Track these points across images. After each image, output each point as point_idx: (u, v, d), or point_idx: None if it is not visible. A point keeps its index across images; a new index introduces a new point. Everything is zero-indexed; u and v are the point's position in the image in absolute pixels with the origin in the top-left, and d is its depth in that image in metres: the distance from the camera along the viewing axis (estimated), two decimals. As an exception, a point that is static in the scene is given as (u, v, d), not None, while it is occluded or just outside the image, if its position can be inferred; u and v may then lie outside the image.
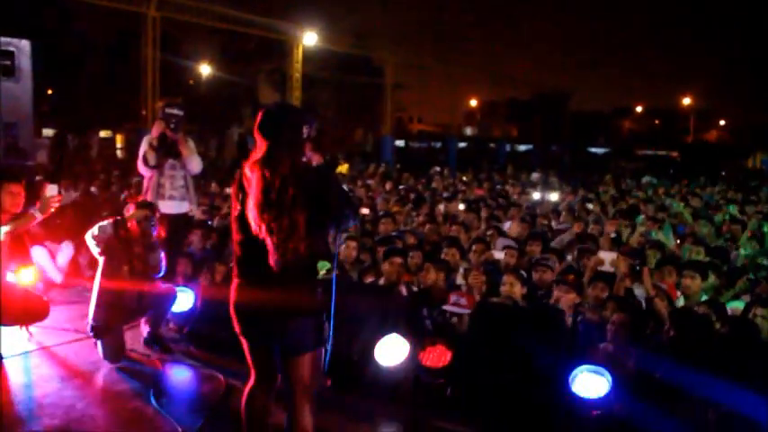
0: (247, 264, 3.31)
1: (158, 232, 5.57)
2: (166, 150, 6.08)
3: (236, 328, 3.40)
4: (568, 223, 9.30)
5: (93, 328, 5.41)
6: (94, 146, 28.81)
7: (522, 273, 6.18)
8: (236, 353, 3.76)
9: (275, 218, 3.15)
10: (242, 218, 3.27)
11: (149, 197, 6.10)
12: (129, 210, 5.52)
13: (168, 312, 5.95)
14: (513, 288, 5.82)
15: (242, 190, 3.27)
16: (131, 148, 27.84)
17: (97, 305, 5.41)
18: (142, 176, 6.47)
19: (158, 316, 5.87)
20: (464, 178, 18.79)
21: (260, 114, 3.32)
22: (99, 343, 5.46)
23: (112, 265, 5.40)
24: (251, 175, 3.23)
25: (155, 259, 5.53)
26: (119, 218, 5.51)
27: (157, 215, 5.62)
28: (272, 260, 3.17)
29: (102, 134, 31.98)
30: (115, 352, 5.44)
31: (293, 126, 3.29)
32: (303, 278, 3.22)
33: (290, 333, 3.27)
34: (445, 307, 5.31)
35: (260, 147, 3.28)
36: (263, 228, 3.17)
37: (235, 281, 3.35)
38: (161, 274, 5.64)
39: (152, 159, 6.01)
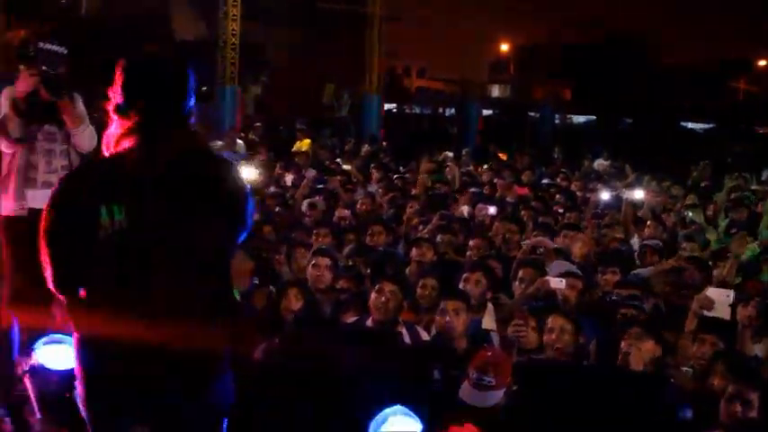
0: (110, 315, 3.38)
1: None
2: (40, 113, 6.00)
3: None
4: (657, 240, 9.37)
5: None
6: None
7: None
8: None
9: (163, 240, 3.33)
10: (112, 241, 3.32)
11: (12, 184, 6.06)
12: None
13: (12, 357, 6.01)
14: (562, 336, 5.90)
15: (113, 194, 3.33)
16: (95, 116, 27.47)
17: None
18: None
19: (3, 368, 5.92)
20: (488, 166, 18.74)
21: (120, 69, 3.46)
22: None
23: None
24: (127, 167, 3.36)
25: None
26: None
27: None
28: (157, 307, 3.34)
29: None
30: None
31: (179, 85, 3.50)
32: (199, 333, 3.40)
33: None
34: (464, 394, 5.30)
35: (122, 124, 3.43)
36: (137, 257, 3.32)
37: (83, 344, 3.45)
38: None
39: (16, 129, 5.92)
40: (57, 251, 3.35)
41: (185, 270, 3.37)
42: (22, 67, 6.06)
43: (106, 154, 3.45)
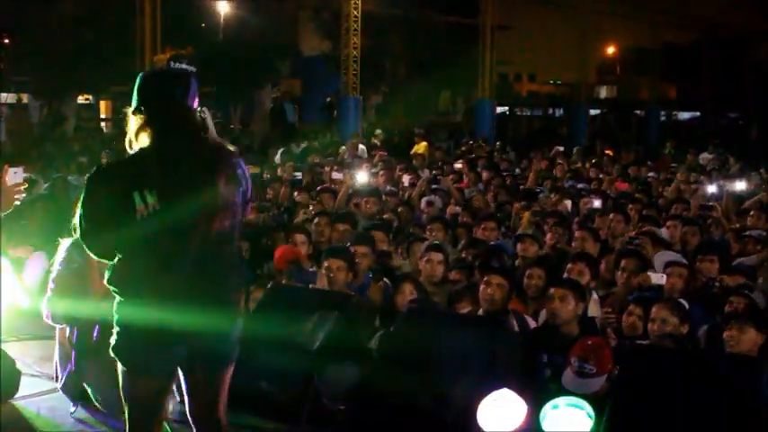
0: None
1: None
2: None
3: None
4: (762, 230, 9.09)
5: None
6: (70, 116, 29.47)
7: (682, 302, 6.11)
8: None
9: (190, 213, 3.81)
10: (150, 219, 3.75)
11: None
12: None
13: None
14: (664, 327, 5.75)
15: (143, 182, 3.76)
16: (121, 119, 28.18)
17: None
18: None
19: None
20: (594, 162, 18.47)
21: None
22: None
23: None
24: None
25: None
26: None
27: None
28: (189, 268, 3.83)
29: (81, 100, 32.65)
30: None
31: (175, 91, 3.97)
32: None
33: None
34: (566, 382, 5.23)
35: (136, 122, 3.93)
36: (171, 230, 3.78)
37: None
38: None
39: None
40: (91, 225, 3.80)
41: (210, 236, 3.81)
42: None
43: (130, 151, 3.93)
